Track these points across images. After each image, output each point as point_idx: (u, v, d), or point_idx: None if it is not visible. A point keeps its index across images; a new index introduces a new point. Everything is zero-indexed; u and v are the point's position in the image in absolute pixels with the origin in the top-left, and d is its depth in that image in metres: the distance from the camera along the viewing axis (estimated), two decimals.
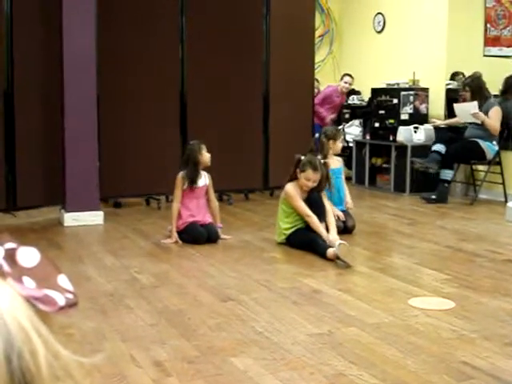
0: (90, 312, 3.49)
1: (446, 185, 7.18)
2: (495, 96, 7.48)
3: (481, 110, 7.09)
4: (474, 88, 7.27)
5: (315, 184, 4.92)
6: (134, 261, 4.59)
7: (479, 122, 7.12)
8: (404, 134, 7.73)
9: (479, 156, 7.12)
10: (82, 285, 3.98)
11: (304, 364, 2.81)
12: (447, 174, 7.18)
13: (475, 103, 7.10)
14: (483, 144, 7.07)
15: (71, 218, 5.80)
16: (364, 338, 3.12)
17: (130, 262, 4.55)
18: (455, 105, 7.49)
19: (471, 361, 2.84)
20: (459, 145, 7.19)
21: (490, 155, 7.10)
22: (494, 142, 7.10)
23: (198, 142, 5.30)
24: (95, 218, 5.87)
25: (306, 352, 2.94)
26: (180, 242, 5.11)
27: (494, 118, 7.08)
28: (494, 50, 9.01)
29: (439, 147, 7.39)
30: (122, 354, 2.92)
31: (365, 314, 3.48)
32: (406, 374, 2.72)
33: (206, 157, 5.20)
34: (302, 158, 5.00)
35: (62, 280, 0.59)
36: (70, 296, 0.58)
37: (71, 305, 0.57)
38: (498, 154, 7.19)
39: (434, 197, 7.10)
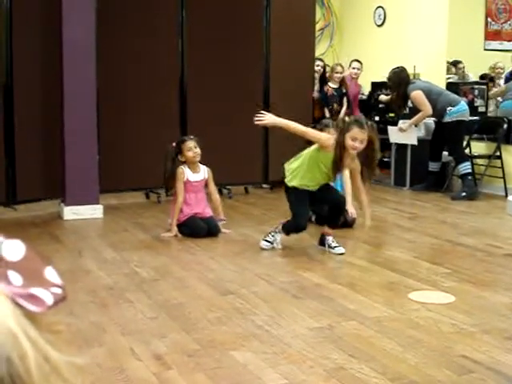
0: (89, 306, 3.49)
1: (470, 177, 7.06)
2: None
3: (404, 104, 7.35)
4: (391, 84, 7.35)
5: (363, 145, 4.42)
6: (134, 254, 4.59)
7: (414, 126, 7.40)
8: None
9: (457, 130, 7.08)
10: (81, 278, 3.98)
11: (304, 358, 2.81)
12: (466, 167, 7.03)
13: (400, 122, 7.49)
14: (449, 117, 7.04)
15: (71, 212, 5.80)
16: (364, 332, 3.12)
17: (129, 256, 4.55)
18: (389, 129, 7.75)
19: (471, 355, 2.84)
20: (447, 136, 7.15)
21: (462, 117, 7.06)
22: (450, 107, 7.03)
23: (183, 139, 5.25)
24: (95, 211, 5.86)
25: (306, 346, 2.94)
26: (179, 235, 5.11)
27: (418, 104, 7.10)
28: (495, 44, 9.01)
29: (434, 166, 7.41)
30: (122, 347, 2.92)
31: (365, 307, 3.48)
32: (406, 367, 2.72)
33: (186, 155, 5.15)
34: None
35: (49, 273, 0.57)
36: (58, 290, 0.56)
37: (60, 300, 0.55)
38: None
39: (463, 194, 6.95)
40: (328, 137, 4.58)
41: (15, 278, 0.54)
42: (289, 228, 4.75)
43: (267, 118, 4.62)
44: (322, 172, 4.62)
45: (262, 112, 4.71)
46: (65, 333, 3.04)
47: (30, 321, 0.52)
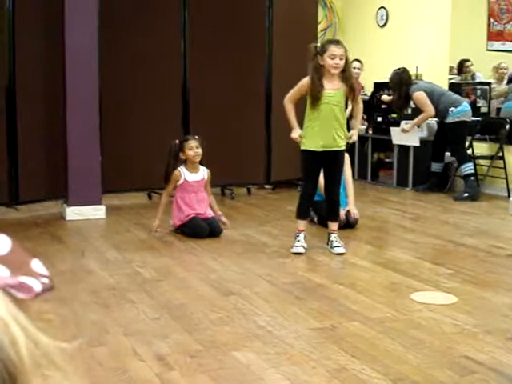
0: (92, 306, 3.49)
1: (473, 178, 7.04)
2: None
3: (406, 105, 7.31)
4: (392, 85, 7.34)
5: (343, 61, 4.40)
6: (136, 255, 4.60)
7: (416, 127, 7.37)
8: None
9: (460, 130, 7.06)
10: (83, 279, 3.98)
11: (306, 358, 2.81)
12: (468, 168, 7.01)
13: (403, 123, 7.47)
14: (452, 117, 7.03)
15: (73, 212, 5.81)
16: (366, 333, 3.12)
17: (132, 256, 4.55)
18: (392, 130, 7.73)
19: (473, 355, 2.84)
20: (450, 136, 7.14)
21: (464, 118, 7.04)
22: (452, 108, 7.02)
23: (186, 138, 5.32)
24: (97, 212, 5.87)
25: (309, 346, 2.94)
26: (159, 230, 5.22)
27: (420, 105, 7.10)
28: (497, 45, 9.00)
29: (436, 167, 7.42)
30: (124, 347, 2.93)
31: (367, 308, 3.48)
32: (409, 368, 2.72)
33: (187, 153, 5.19)
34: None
35: (36, 265, 0.58)
36: (46, 280, 0.57)
37: (48, 289, 0.57)
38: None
39: (466, 194, 6.93)
40: (304, 80, 4.57)
41: (2, 271, 0.55)
42: (298, 205, 4.76)
43: (296, 137, 4.68)
44: (320, 115, 4.54)
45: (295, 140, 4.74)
46: (64, 332, 3.04)
47: (19, 307, 0.53)
